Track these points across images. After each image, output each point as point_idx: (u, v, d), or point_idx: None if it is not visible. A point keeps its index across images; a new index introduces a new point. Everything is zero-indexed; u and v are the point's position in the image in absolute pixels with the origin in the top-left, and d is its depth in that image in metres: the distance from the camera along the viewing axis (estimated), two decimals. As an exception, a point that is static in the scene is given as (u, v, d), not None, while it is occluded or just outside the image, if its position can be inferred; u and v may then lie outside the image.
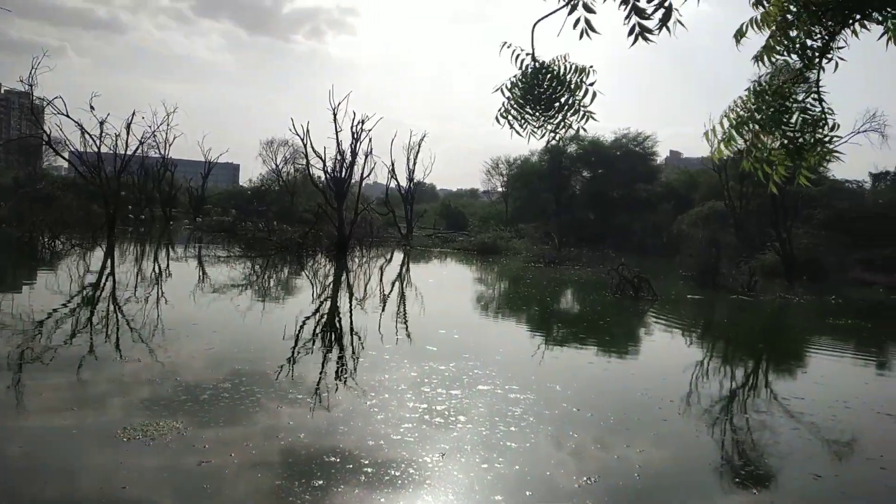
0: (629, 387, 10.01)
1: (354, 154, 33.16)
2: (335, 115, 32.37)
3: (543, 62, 3.86)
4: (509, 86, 3.92)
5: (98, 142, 34.04)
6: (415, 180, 55.18)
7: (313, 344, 11.94)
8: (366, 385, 8.76)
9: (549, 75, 3.83)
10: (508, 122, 3.96)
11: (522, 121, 3.98)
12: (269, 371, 9.27)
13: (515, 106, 3.94)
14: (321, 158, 33.23)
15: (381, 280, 25.00)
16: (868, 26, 3.68)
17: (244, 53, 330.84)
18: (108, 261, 25.21)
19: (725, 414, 9.11)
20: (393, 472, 5.98)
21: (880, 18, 3.63)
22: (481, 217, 65.01)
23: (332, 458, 6.17)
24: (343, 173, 32.86)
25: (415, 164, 54.09)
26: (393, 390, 8.57)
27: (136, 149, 39.22)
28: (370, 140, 35.32)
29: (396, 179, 53.20)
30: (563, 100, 3.84)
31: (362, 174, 35.30)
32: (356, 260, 31.93)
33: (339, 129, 32.59)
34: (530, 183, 59.71)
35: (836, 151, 4.01)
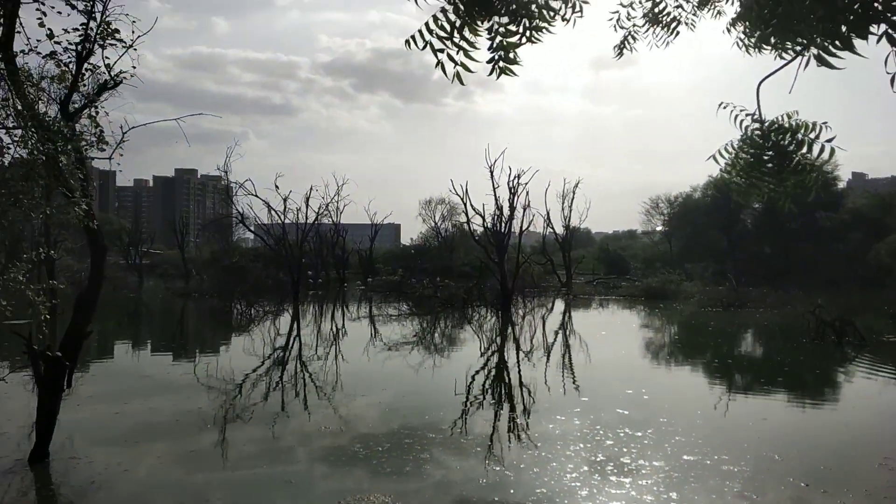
0: (862, 453, 8.69)
1: (513, 208, 33.53)
2: (492, 172, 33.11)
3: (770, 122, 3.55)
4: (730, 150, 3.65)
5: (282, 216, 37.51)
6: (570, 226, 54.49)
7: (494, 406, 11.77)
8: (562, 455, 8.37)
9: (777, 137, 3.52)
10: (730, 187, 3.70)
11: (748, 185, 3.69)
12: (459, 438, 9.22)
13: (739, 171, 3.66)
14: (480, 215, 33.95)
15: (549, 333, 24.52)
16: None
17: (400, 121, 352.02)
18: (295, 324, 27.23)
19: None
20: (612, 561, 5.53)
21: None
22: (644, 259, 62.42)
23: (543, 542, 5.86)
24: (502, 227, 33.22)
25: (570, 210, 53.56)
26: (591, 461, 8.11)
27: (315, 220, 42.65)
28: (527, 192, 35.83)
29: (552, 227, 52.90)
30: (794, 162, 3.50)
31: (521, 227, 35.58)
32: (520, 312, 31.77)
33: (496, 185, 33.23)
34: (695, 220, 56.51)
35: None
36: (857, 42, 2.69)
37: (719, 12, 4.47)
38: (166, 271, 58.25)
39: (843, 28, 2.55)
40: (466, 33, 2.70)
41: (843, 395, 13.40)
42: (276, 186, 37.23)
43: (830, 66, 2.91)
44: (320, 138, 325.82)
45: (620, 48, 4.96)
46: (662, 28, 4.66)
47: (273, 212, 37.89)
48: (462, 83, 2.87)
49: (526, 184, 34.77)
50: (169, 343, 22.42)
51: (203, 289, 39.16)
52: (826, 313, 20.30)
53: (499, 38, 2.76)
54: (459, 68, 2.79)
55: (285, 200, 37.65)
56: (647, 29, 4.73)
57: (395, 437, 9.22)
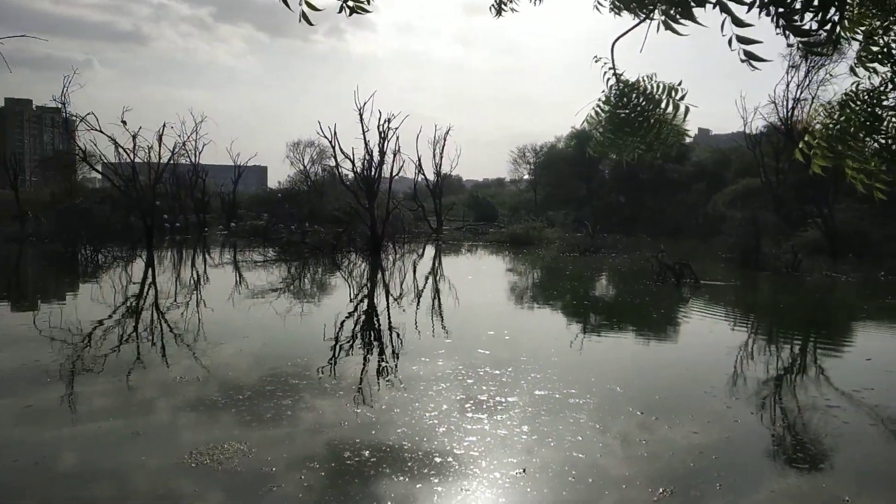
0: (691, 384, 9.70)
1: (383, 153, 33.19)
2: (361, 115, 32.44)
3: (629, 82, 3.72)
4: (596, 109, 3.78)
5: (132, 155, 34.58)
6: (442, 173, 55.06)
7: (363, 350, 11.83)
8: (424, 395, 8.63)
9: (635, 96, 3.69)
10: (600, 145, 3.86)
11: (611, 143, 3.86)
12: (324, 383, 9.20)
13: (604, 129, 3.81)
14: (350, 160, 33.26)
15: (418, 278, 24.90)
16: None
17: (266, 56, 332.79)
18: (149, 270, 25.58)
19: (801, 414, 8.75)
20: (464, 491, 5.82)
21: None
22: (511, 206, 64.63)
23: (400, 478, 6.04)
24: (373, 173, 32.84)
25: (441, 157, 54.01)
26: (451, 400, 8.42)
27: (169, 159, 39.74)
28: (397, 138, 35.55)
29: (423, 174, 53.16)
30: (652, 120, 3.69)
31: (391, 172, 35.39)
32: (390, 258, 31.92)
33: (366, 129, 32.64)
34: (558, 169, 59.19)
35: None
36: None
37: None
38: (-3, 213, 52.22)
39: None
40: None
41: (679, 332, 14.82)
42: (124, 122, 34.11)
43: (675, 32, 3.04)
44: (176, 71, 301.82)
45: (499, 6, 4.90)
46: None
47: (121, 149, 34.82)
48: (309, 23, 2.73)
49: (396, 128, 34.55)
50: (1, 291, 20.28)
51: (42, 232, 35.58)
52: (668, 258, 22.24)
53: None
54: (304, 7, 2.65)
55: (134, 137, 34.72)
56: None
57: (259, 384, 9.05)
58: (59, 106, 32.72)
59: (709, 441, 7.23)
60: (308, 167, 61.42)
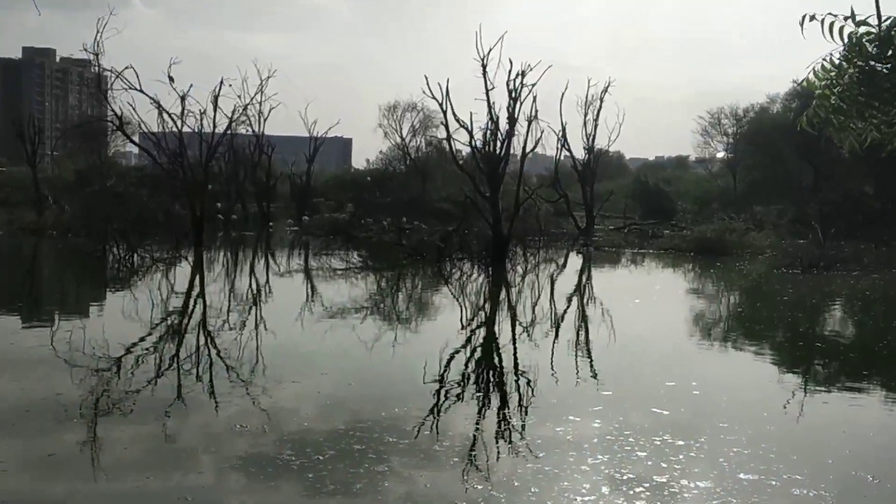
0: None
1: (513, 120, 33.17)
2: (485, 67, 32.59)
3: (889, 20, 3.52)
4: (826, 72, 3.62)
5: (180, 122, 36.67)
6: (595, 149, 54.44)
7: (479, 399, 11.93)
8: (575, 471, 8.55)
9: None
10: (832, 124, 3.71)
11: (850, 118, 3.69)
12: (429, 443, 9.34)
13: (841, 98, 3.64)
14: (467, 129, 33.49)
15: (559, 299, 24.77)
16: None
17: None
18: (197, 278, 27.12)
19: None
20: None
21: None
22: (696, 198, 62.94)
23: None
24: (498, 148, 32.92)
25: (595, 126, 53.40)
26: (615, 480, 8.28)
27: (226, 129, 41.72)
28: (534, 98, 35.04)
29: (569, 150, 52.75)
30: None
31: (523, 148, 35.12)
32: (519, 269, 31.92)
33: (490, 87, 32.79)
34: (771, 144, 56.84)
35: None
36: None
37: None
38: (10, 196, 57.33)
39: None
40: None
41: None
42: (171, 78, 36.36)
43: None
44: (240, 10, 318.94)
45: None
46: None
47: (166, 115, 37.13)
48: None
49: (533, 85, 34.25)
50: (14, 301, 22.20)
51: (64, 224, 38.67)
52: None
53: None
54: None
55: (183, 99, 36.94)
56: None
57: (341, 440, 9.30)
58: (91, 58, 35.31)
59: None
60: (407, 140, 62.84)
